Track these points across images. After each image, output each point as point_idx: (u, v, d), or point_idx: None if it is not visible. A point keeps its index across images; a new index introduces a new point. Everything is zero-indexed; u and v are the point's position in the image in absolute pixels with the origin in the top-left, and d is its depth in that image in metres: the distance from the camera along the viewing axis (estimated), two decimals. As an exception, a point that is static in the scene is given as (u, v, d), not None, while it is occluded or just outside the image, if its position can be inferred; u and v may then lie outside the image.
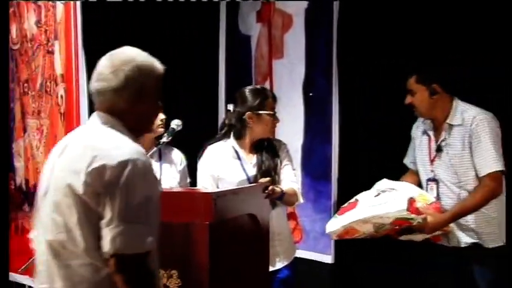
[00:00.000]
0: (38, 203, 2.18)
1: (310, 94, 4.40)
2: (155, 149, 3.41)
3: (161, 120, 3.47)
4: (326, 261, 4.21)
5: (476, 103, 3.44)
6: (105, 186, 2.00)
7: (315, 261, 4.25)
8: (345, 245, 3.97)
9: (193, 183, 3.54)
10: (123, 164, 2.01)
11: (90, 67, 3.40)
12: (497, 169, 3.29)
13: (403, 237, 3.39)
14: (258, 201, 2.93)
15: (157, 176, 3.42)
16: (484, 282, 3.34)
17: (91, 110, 3.64)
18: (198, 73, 4.99)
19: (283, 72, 4.54)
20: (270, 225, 3.14)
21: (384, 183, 3.41)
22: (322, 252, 4.23)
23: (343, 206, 3.41)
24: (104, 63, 2.16)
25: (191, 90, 4.82)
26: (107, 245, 1.98)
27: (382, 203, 3.27)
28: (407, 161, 3.71)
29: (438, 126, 3.49)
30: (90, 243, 2.02)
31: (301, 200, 3.46)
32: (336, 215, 3.40)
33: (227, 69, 4.85)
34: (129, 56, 2.16)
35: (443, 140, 3.45)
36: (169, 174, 3.54)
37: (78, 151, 2.08)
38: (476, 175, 3.34)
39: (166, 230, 2.49)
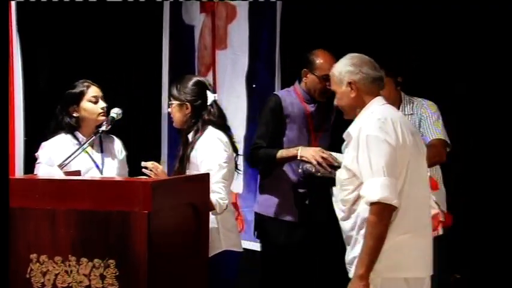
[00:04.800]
0: None
1: (253, 85, 4.41)
2: (94, 137, 3.37)
3: (102, 108, 3.43)
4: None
5: None
6: None
7: (257, 251, 4.26)
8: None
9: (131, 172, 3.53)
10: None
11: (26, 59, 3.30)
12: None
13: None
14: (199, 191, 2.92)
15: (100, 167, 3.42)
16: None
17: (25, 100, 3.61)
18: (141, 62, 4.95)
19: (227, 63, 4.54)
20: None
21: None
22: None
23: None
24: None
25: (133, 79, 4.77)
26: None
27: None
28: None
29: None
30: None
31: (217, 210, 3.16)
32: None
33: (170, 59, 4.81)
34: None
35: None
36: (110, 165, 3.49)
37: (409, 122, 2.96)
38: None
39: (104, 218, 2.49)
